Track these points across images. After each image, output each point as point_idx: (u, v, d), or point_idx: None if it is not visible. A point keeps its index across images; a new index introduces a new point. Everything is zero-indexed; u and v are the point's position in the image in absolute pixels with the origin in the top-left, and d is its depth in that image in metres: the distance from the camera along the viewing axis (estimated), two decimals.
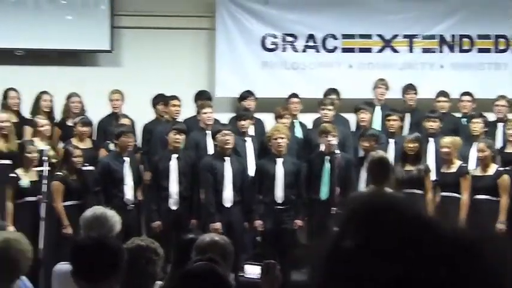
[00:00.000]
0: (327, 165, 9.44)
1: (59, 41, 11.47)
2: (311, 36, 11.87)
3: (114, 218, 5.20)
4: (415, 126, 10.58)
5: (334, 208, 8.92)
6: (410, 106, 11.06)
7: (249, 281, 4.72)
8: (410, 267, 1.30)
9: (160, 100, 10.75)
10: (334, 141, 9.41)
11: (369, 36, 11.93)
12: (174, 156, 9.53)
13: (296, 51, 11.89)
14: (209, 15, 11.85)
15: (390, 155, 9.75)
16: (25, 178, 9.10)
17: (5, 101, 10.51)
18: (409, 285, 1.29)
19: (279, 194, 9.44)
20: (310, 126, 10.87)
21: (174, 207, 9.44)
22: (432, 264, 1.30)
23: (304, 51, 11.89)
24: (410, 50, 11.98)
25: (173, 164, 9.50)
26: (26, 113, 10.60)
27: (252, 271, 4.59)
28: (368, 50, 11.95)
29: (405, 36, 11.94)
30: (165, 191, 9.45)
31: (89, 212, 5.26)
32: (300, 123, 10.89)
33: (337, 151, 9.35)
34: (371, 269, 1.31)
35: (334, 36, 11.90)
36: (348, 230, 1.38)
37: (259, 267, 3.97)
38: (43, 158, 8.96)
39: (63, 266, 4.91)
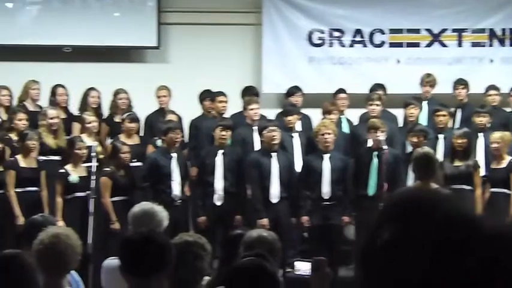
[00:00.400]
0: (375, 161, 9.36)
1: (107, 37, 11.55)
2: (358, 31, 11.79)
3: (162, 213, 5.21)
4: (465, 122, 10.45)
5: (382, 204, 8.83)
6: (461, 101, 10.92)
7: (298, 278, 4.69)
8: (442, 266, 1.27)
9: (207, 96, 10.76)
10: (382, 136, 9.34)
11: (417, 31, 11.82)
12: (220, 152, 9.53)
13: (343, 46, 11.83)
14: (256, 11, 11.83)
15: (439, 150, 9.66)
16: (74, 174, 9.18)
17: (54, 98, 10.60)
18: (440, 286, 1.27)
19: (326, 189, 9.39)
20: (356, 121, 10.80)
21: (218, 203, 9.45)
22: (467, 264, 1.27)
23: (351, 46, 11.82)
24: (459, 45, 11.85)
25: (219, 160, 9.50)
26: (74, 109, 10.68)
27: (302, 267, 4.57)
28: (416, 45, 11.84)
29: (454, 30, 11.81)
30: (210, 187, 9.47)
31: (137, 208, 5.27)
32: (347, 118, 10.83)
33: (385, 147, 9.28)
34: (402, 266, 1.30)
35: (381, 31, 11.81)
36: (383, 225, 1.37)
37: (309, 263, 3.93)
38: (92, 154, 9.03)
39: (112, 261, 4.93)
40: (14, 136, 9.58)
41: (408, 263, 1.29)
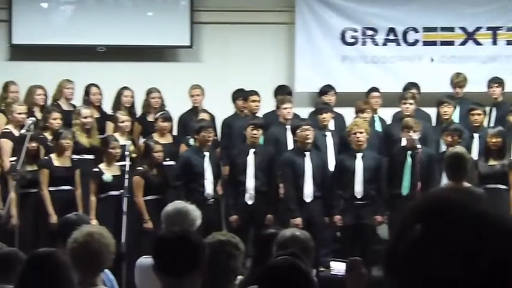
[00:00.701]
0: (409, 160, 9.31)
1: (140, 37, 11.60)
2: (392, 30, 11.73)
3: (195, 212, 5.22)
4: (500, 120, 10.35)
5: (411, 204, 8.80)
6: (495, 100, 10.82)
7: (332, 277, 4.67)
8: (471, 267, 1.26)
9: (239, 95, 10.76)
10: (416, 136, 9.28)
11: (451, 29, 11.73)
12: (252, 151, 9.53)
13: (376, 44, 11.77)
14: (289, 10, 11.81)
15: (474, 149, 9.58)
16: (108, 172, 9.22)
17: (87, 97, 10.66)
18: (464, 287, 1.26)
19: (359, 189, 9.36)
20: (389, 120, 10.75)
21: (250, 202, 9.45)
22: (495, 266, 1.25)
23: (384, 44, 11.76)
24: (494, 43, 11.74)
25: (250, 159, 9.50)
26: (108, 108, 10.73)
27: (337, 267, 4.54)
28: (450, 43, 11.76)
29: (489, 29, 11.70)
30: (242, 186, 9.47)
31: (171, 207, 5.28)
32: (380, 117, 10.78)
33: (419, 146, 9.22)
34: (429, 267, 1.30)
35: (415, 29, 11.73)
36: (411, 225, 1.37)
37: (344, 263, 3.91)
38: (125, 153, 9.06)
39: (145, 260, 4.94)
40: (48, 135, 9.65)
41: (436, 263, 1.28)
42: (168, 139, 10.01)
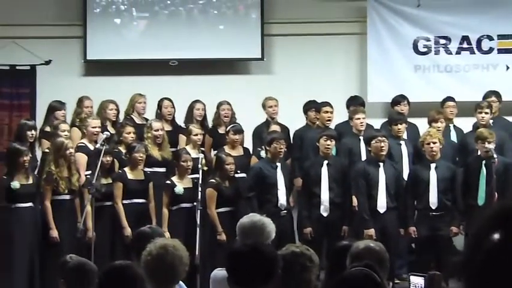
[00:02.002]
0: (484, 170, 9.16)
1: (211, 50, 11.67)
2: (465, 38, 11.55)
3: (271, 225, 5.19)
4: None
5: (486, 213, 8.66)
6: None
7: None
8: None
9: (312, 106, 10.72)
10: (491, 145, 9.13)
11: None
12: (325, 162, 9.49)
13: (450, 53, 11.60)
14: (360, 20, 11.73)
15: None
16: (180, 185, 9.29)
17: (160, 111, 10.76)
18: None
19: (434, 199, 9.25)
20: (465, 130, 10.58)
21: (325, 214, 9.40)
22: None
23: (458, 53, 11.58)
24: None
25: (324, 171, 9.46)
26: (180, 121, 10.81)
27: (416, 282, 4.48)
28: None
29: None
30: (316, 198, 9.43)
31: (246, 219, 5.26)
32: (455, 127, 10.62)
33: (495, 155, 9.06)
34: (504, 274, 1.29)
35: (489, 37, 11.54)
36: (488, 233, 1.35)
37: (423, 278, 3.85)
38: (198, 165, 9.11)
39: (220, 272, 4.94)
40: (122, 149, 9.77)
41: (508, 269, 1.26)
42: (239, 151, 10.03)
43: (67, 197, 9.14)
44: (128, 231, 8.97)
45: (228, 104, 10.70)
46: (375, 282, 3.47)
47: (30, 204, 9.05)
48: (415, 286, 4.52)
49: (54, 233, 8.97)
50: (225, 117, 10.61)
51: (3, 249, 8.90)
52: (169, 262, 4.23)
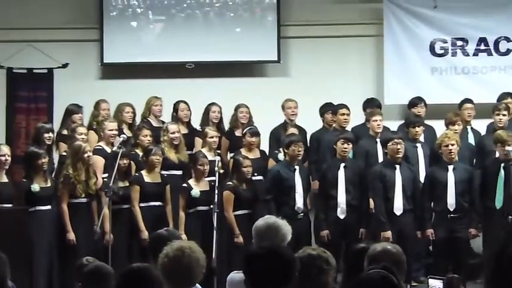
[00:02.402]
0: (502, 173, 9.12)
1: (228, 53, 11.67)
2: (482, 40, 11.50)
3: (287, 227, 5.18)
4: None
5: (510, 217, 8.66)
6: None
7: None
8: None
9: (328, 109, 10.71)
10: (510, 148, 9.08)
11: None
12: (342, 165, 9.47)
13: (467, 55, 11.56)
14: (377, 22, 11.70)
15: None
16: (196, 188, 9.29)
17: (176, 114, 10.77)
18: None
19: (451, 201, 9.23)
20: (482, 132, 10.53)
21: (342, 216, 9.38)
22: None
23: (475, 55, 11.54)
24: None
25: (341, 173, 9.44)
26: (197, 124, 10.82)
27: (435, 285, 4.46)
28: None
29: None
30: (333, 200, 9.42)
31: (261, 222, 5.25)
32: (472, 129, 10.57)
33: None
34: None
35: (507, 39, 11.48)
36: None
37: (442, 281, 3.83)
38: (215, 168, 9.12)
39: (236, 275, 4.94)
40: (139, 152, 9.78)
41: None
42: (255, 154, 10.03)
43: (84, 200, 9.17)
44: (145, 234, 8.98)
45: (246, 107, 10.70)
46: (392, 284, 3.46)
47: (49, 207, 9.10)
48: None
49: (71, 235, 9.01)
50: (243, 120, 10.60)
51: (23, 251, 8.92)
52: (186, 264, 4.23)
